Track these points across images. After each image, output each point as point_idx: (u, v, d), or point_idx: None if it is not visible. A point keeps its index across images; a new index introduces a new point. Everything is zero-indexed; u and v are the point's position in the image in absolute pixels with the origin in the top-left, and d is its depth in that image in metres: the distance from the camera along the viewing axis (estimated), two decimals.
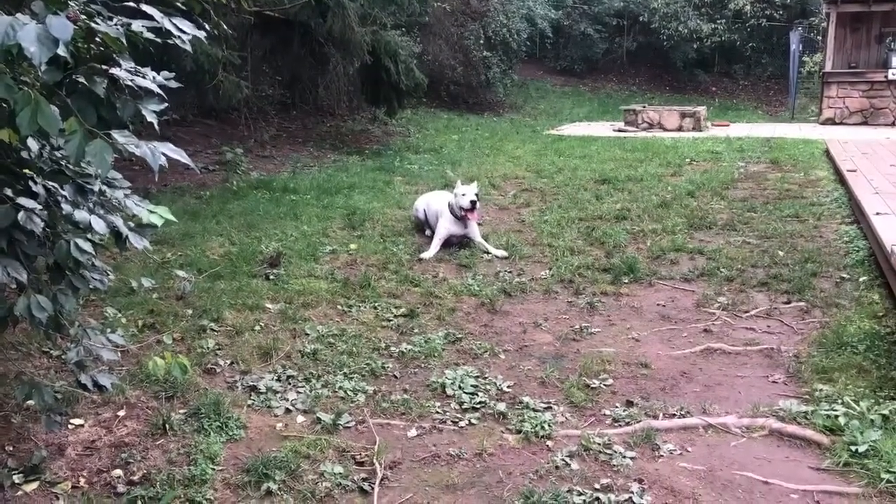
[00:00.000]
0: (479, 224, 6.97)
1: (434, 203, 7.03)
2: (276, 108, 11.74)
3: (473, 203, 6.72)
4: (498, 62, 17.69)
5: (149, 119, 2.06)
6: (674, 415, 3.87)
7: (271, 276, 5.78)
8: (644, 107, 16.33)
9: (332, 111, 13.25)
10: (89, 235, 2.58)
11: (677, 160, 10.74)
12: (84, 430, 3.62)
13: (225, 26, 7.12)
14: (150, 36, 2.39)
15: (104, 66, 2.00)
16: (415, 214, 7.40)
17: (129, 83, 2.04)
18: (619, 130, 15.04)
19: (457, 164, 11.13)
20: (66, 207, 2.38)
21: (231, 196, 8.28)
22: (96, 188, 2.44)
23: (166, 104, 2.20)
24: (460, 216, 6.77)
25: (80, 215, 2.37)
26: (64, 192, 2.36)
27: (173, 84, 2.74)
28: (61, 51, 1.63)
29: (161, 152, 2.01)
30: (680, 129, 14.90)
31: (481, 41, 16.93)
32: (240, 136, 11.01)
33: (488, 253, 6.63)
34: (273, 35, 10.58)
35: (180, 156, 2.06)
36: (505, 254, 6.58)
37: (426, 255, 6.53)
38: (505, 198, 8.84)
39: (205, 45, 7.58)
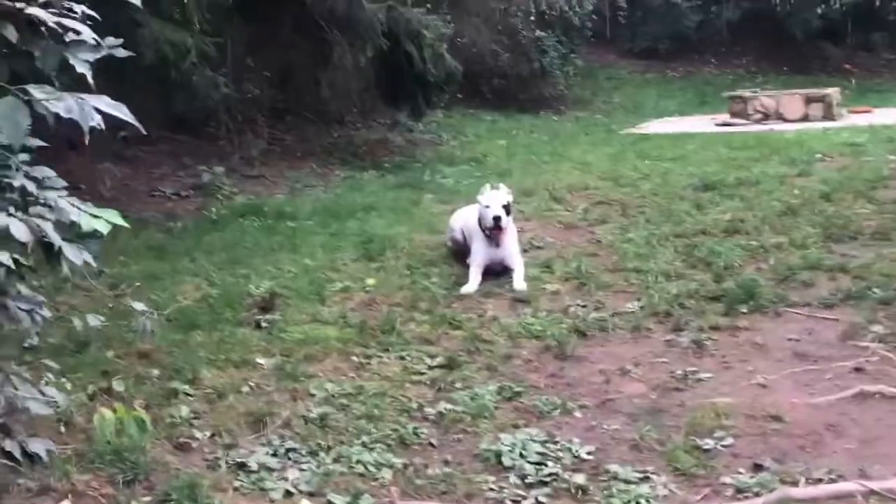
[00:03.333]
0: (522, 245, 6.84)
1: (473, 220, 6.98)
2: (265, 115, 11.87)
3: (497, 219, 6.65)
4: (555, 44, 17.71)
5: (79, 70, 2.03)
6: (820, 480, 3.73)
7: (263, 324, 5.76)
8: (755, 92, 16.19)
9: (340, 117, 13.35)
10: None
11: (804, 157, 10.62)
12: None
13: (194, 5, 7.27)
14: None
15: (15, 4, 1.97)
16: (450, 236, 7.36)
17: (53, 25, 2.01)
18: (724, 124, 14.91)
19: (505, 174, 11.10)
20: None
21: (210, 226, 8.35)
22: (17, 183, 2.41)
23: (104, 51, 2.17)
24: (489, 234, 6.71)
25: None
26: None
27: (121, 52, 2.73)
28: None
29: (93, 107, 1.96)
30: (805, 118, 14.72)
31: (532, 18, 16.99)
32: (220, 153, 11.13)
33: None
34: (259, 18, 10.76)
35: (121, 112, 2.02)
36: (523, 287, 6.46)
37: (466, 288, 6.46)
38: (573, 213, 8.78)
39: (167, 29, 7.74)
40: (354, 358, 5.26)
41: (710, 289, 6.20)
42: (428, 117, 13.78)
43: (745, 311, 5.80)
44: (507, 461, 4.02)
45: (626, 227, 8.05)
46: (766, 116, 15.02)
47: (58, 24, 2.01)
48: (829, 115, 14.67)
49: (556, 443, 4.19)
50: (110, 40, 2.77)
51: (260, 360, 5.21)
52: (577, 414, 4.54)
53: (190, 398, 4.73)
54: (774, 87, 19.55)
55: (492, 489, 3.82)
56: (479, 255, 6.74)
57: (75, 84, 2.11)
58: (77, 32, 2.03)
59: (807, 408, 4.43)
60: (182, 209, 9.21)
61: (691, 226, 7.79)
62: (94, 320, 3.54)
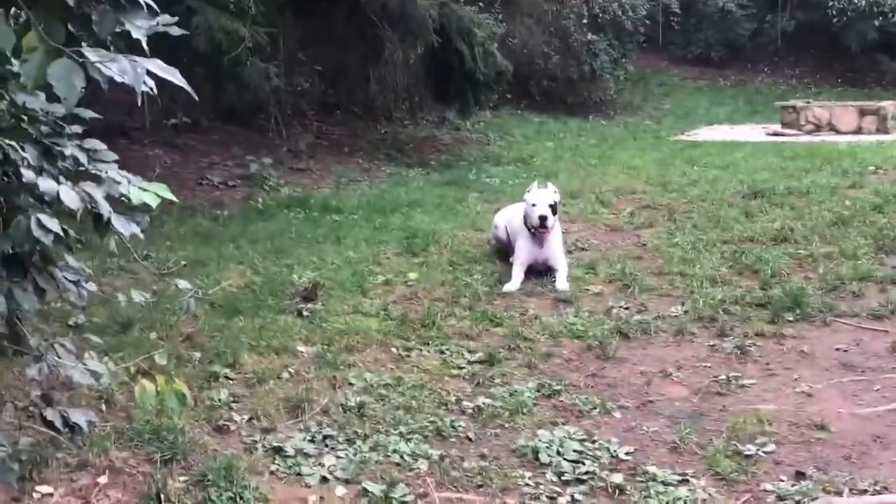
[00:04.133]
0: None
1: (518, 218, 6.93)
2: (315, 109, 11.94)
3: (543, 218, 6.61)
4: (607, 48, 17.65)
5: (135, 35, 2.03)
6: (865, 491, 3.65)
7: (305, 313, 5.78)
8: (808, 103, 15.98)
9: (388, 113, 13.39)
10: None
11: (857, 168, 10.42)
12: (53, 500, 3.60)
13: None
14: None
15: None
16: (494, 234, 7.34)
17: None
18: (775, 134, 14.74)
19: (552, 176, 11.03)
20: (28, 174, 2.37)
21: (256, 216, 8.40)
22: (68, 152, 2.42)
23: (159, 18, 2.17)
24: (534, 233, 6.69)
25: (46, 184, 2.35)
26: (25, 154, 2.34)
27: (175, 30, 2.74)
28: None
29: (146, 69, 1.96)
30: (859, 130, 14.51)
31: (584, 21, 16.93)
32: (268, 145, 11.21)
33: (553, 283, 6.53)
34: (312, 13, 10.81)
35: (175, 77, 2.02)
36: (566, 287, 6.42)
37: (509, 286, 6.42)
38: (619, 216, 8.71)
39: (222, 19, 7.80)
40: (394, 350, 5.26)
41: (756, 296, 6.11)
42: (476, 116, 13.80)
43: (791, 319, 5.71)
44: (544, 457, 3.98)
45: (673, 231, 7.96)
46: (819, 127, 14.81)
47: None
48: (882, 128, 14.44)
49: (594, 442, 4.14)
50: (165, 17, 2.78)
51: (300, 348, 5.23)
52: (617, 414, 4.49)
53: (230, 382, 4.76)
54: (828, 99, 19.31)
55: (528, 484, 3.78)
56: (523, 254, 6.70)
57: (129, 51, 2.11)
58: (133, 1, 2.04)
59: (853, 418, 4.34)
60: (229, 198, 9.28)
61: (739, 233, 7.67)
62: (138, 296, 3.54)
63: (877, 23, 20.95)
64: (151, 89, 2.02)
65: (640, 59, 20.78)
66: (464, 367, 5.04)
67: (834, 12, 21.18)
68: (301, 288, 6.16)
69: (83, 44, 1.98)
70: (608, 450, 4.05)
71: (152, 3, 2.11)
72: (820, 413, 4.37)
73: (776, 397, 4.62)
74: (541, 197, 6.73)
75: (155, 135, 10.71)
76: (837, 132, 14.63)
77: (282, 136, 11.38)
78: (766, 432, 4.17)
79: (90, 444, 3.84)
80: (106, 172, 2.63)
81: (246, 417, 4.36)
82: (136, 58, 1.99)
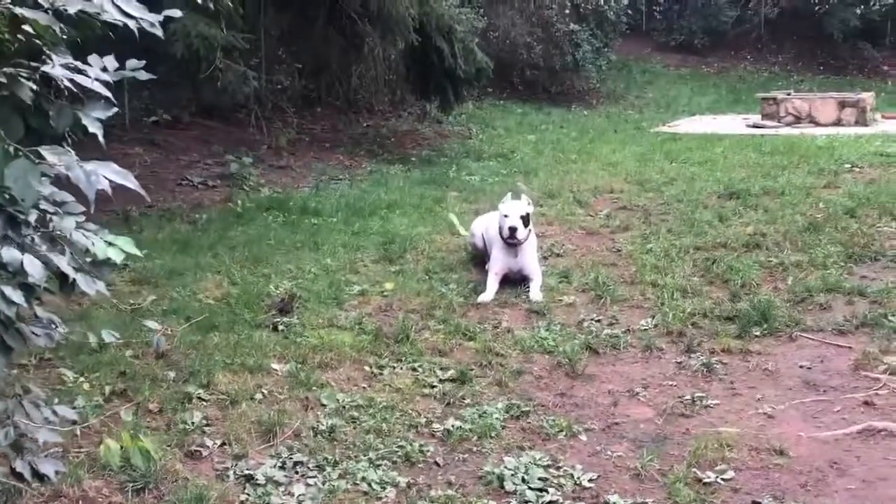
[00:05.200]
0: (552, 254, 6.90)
1: (494, 227, 7.01)
2: (296, 105, 11.95)
3: (513, 230, 6.69)
4: (589, 38, 17.66)
5: (91, 129, 2.08)
6: None
7: (280, 327, 5.84)
8: (789, 94, 16.05)
9: (370, 107, 13.41)
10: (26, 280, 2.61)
11: (833, 166, 10.51)
12: None
13: (227, 1, 7.31)
14: (113, 17, 2.43)
15: (33, 63, 2.03)
16: (471, 241, 7.41)
17: (67, 83, 2.06)
18: (755, 126, 14.81)
19: (532, 173, 11.14)
20: None
21: (234, 220, 8.43)
22: (33, 218, 2.47)
23: (115, 109, 2.23)
24: (508, 243, 6.77)
25: (9, 254, 2.40)
26: None
27: (143, 75, 2.79)
28: None
29: (101, 175, 2.02)
30: (838, 122, 14.59)
31: (567, 10, 16.93)
32: (249, 141, 11.23)
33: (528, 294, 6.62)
34: (292, 11, 10.81)
35: (128, 181, 2.07)
36: (539, 298, 6.51)
37: (483, 297, 6.50)
38: (595, 219, 8.78)
39: (200, 24, 7.80)
40: (367, 367, 5.32)
41: (725, 308, 6.17)
42: (457, 110, 13.81)
43: (758, 333, 5.77)
44: (509, 485, 4.05)
45: (648, 236, 8.02)
46: (798, 119, 14.90)
47: (72, 82, 2.07)
48: (861, 121, 14.53)
49: (559, 468, 4.21)
50: (132, 62, 2.83)
51: (274, 366, 5.29)
52: (583, 437, 4.56)
53: (203, 403, 4.82)
54: (810, 87, 19.41)
55: None
56: (498, 264, 6.77)
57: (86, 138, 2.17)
58: (92, 93, 2.09)
59: (812, 442, 4.42)
60: (209, 199, 9.31)
61: (712, 238, 7.73)
62: (109, 336, 3.59)
63: (859, 10, 21.04)
64: (106, 188, 2.07)
65: (623, 47, 20.78)
66: (435, 386, 5.10)
67: (816, 0, 21.27)
68: (277, 300, 6.22)
69: (44, 140, 2.03)
70: (572, 477, 4.12)
71: (110, 96, 2.16)
72: (780, 436, 4.45)
73: (739, 419, 4.69)
74: (513, 209, 6.79)
75: (135, 132, 10.71)
76: (817, 124, 14.72)
77: (262, 132, 11.39)
78: (726, 458, 4.24)
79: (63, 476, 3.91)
80: (70, 234, 2.67)
81: (218, 443, 4.42)
82: (90, 164, 2.04)
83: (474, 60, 11.69)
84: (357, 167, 11.40)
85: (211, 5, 8.38)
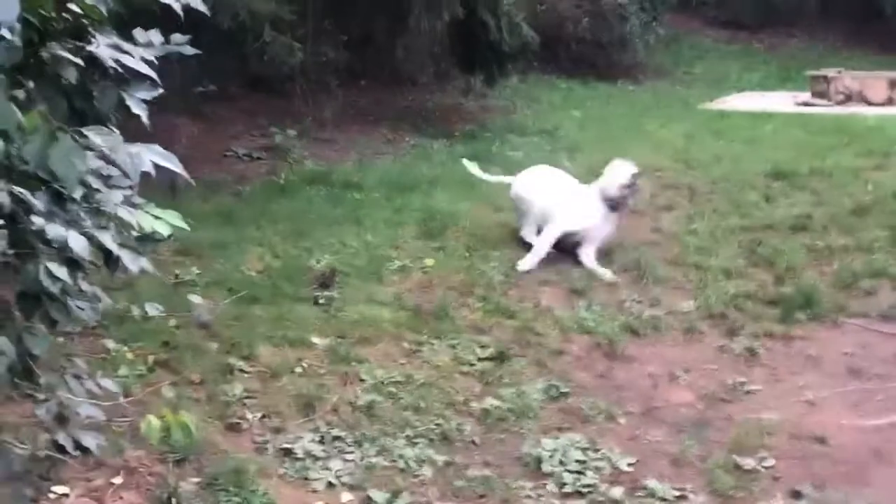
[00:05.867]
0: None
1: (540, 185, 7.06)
2: (341, 77, 11.89)
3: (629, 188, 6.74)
4: (637, 11, 17.37)
5: (134, 110, 2.08)
6: None
7: (321, 301, 5.86)
8: (839, 72, 15.70)
9: (414, 80, 13.32)
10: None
11: (883, 147, 10.25)
12: (69, 501, 3.73)
13: None
14: None
15: (78, 42, 2.03)
16: (514, 195, 7.35)
17: (112, 64, 2.06)
18: (804, 104, 14.50)
19: (576, 150, 11.01)
20: (38, 220, 2.44)
21: (278, 193, 8.45)
22: (78, 194, 2.49)
23: (160, 90, 2.23)
24: (612, 206, 6.74)
25: (54, 231, 2.41)
26: (34, 200, 2.41)
27: (188, 50, 2.79)
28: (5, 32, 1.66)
29: (146, 158, 2.02)
30: (890, 102, 14.24)
31: None
32: (294, 114, 11.21)
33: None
34: None
35: (172, 164, 2.08)
36: (612, 278, 6.49)
37: (528, 264, 6.52)
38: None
39: None
40: (406, 344, 5.34)
41: (769, 292, 6.11)
42: (502, 84, 13.66)
43: (802, 318, 5.71)
44: (546, 467, 4.07)
45: (692, 216, 7.90)
46: (849, 98, 14.56)
47: (117, 62, 2.07)
48: None
49: (597, 451, 4.22)
50: (177, 37, 2.83)
51: (315, 340, 5.32)
52: (622, 420, 4.56)
53: (245, 375, 4.88)
54: (862, 66, 18.94)
55: (528, 496, 3.88)
56: (565, 225, 6.69)
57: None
58: (136, 72, 2.09)
59: (853, 430, 4.39)
60: (253, 171, 9.33)
61: (758, 219, 7.61)
62: (152, 309, 3.63)
63: None
64: (151, 171, 2.07)
65: (672, 23, 20.39)
66: (474, 364, 5.12)
67: None
68: (318, 274, 6.23)
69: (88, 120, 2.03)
70: (610, 460, 4.13)
71: (154, 76, 2.16)
72: (821, 424, 4.43)
73: (780, 405, 4.66)
74: (626, 169, 6.75)
75: (182, 102, 10.75)
76: (868, 103, 14.38)
77: (308, 104, 11.37)
78: (766, 445, 4.23)
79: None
80: (115, 210, 2.69)
81: (259, 415, 4.48)
82: (134, 147, 2.04)
83: (520, 34, 11.55)
84: (400, 141, 11.36)
85: None
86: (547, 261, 6.74)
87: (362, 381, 4.86)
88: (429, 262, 6.64)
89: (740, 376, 4.99)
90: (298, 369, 4.95)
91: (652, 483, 3.93)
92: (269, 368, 4.94)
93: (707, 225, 7.55)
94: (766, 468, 4.06)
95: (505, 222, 7.68)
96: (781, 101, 14.96)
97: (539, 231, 6.86)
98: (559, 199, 6.93)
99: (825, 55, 20.68)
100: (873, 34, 21.59)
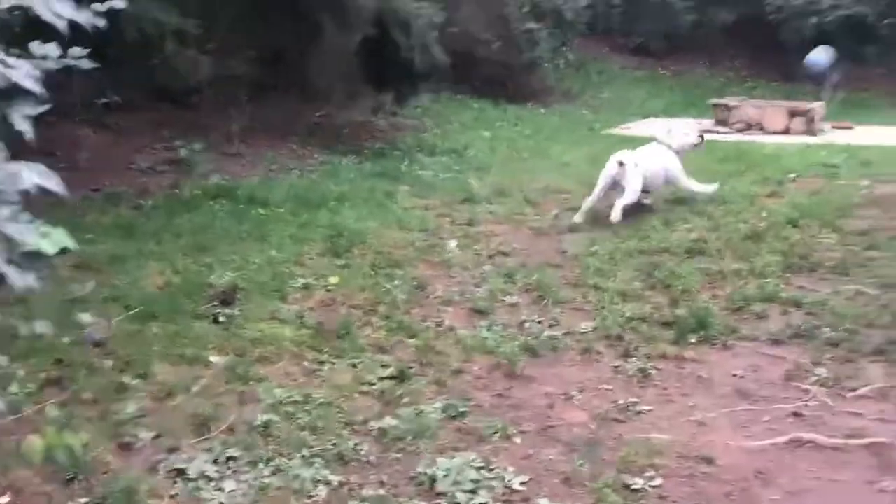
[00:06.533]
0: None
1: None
2: (250, 91, 11.82)
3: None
4: (547, 37, 17.71)
5: (18, 127, 2.05)
6: None
7: (221, 318, 5.81)
8: (741, 101, 16.23)
9: (325, 96, 13.31)
10: None
11: (778, 175, 10.64)
12: None
13: None
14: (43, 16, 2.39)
15: None
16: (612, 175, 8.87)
17: None
18: (706, 131, 14.91)
19: (484, 170, 11.16)
20: None
21: (181, 207, 8.36)
22: None
23: (47, 105, 2.19)
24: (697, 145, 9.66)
25: None
26: None
27: (86, 64, 2.75)
28: None
29: (25, 177, 1.99)
30: (787, 131, 14.78)
31: (525, 9, 16.97)
32: (201, 127, 11.10)
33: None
34: None
35: (51, 183, 2.04)
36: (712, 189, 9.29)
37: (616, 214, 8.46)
38: (543, 219, 8.82)
39: (152, 6, 7.72)
40: (306, 363, 5.32)
41: (664, 314, 6.24)
42: (413, 103, 13.78)
43: (694, 340, 5.83)
44: (441, 487, 4.08)
45: (594, 238, 8.07)
46: (749, 126, 15.07)
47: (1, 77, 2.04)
48: (810, 130, 14.71)
49: (491, 470, 4.24)
50: (75, 51, 2.79)
51: (213, 358, 5.27)
52: (517, 440, 4.59)
53: (139, 394, 4.79)
54: (764, 94, 19.60)
55: None
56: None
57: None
58: (21, 88, 2.06)
59: (739, 451, 4.50)
60: (156, 185, 9.20)
61: (656, 242, 7.81)
62: (42, 328, 3.54)
63: (814, 20, 21.30)
64: (31, 189, 2.04)
65: (581, 48, 20.83)
66: (374, 384, 5.11)
67: (772, 8, 21.50)
68: (219, 290, 6.18)
69: None
70: (503, 480, 4.15)
71: (40, 92, 2.13)
72: (709, 444, 4.53)
73: (670, 426, 4.76)
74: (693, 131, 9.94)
75: (86, 113, 10.54)
76: (767, 132, 14.89)
77: (215, 118, 11.28)
78: (655, 465, 4.30)
79: None
80: (3, 226, 2.63)
81: (152, 434, 4.40)
82: (14, 165, 2.01)
83: (431, 57, 11.68)
84: (309, 157, 11.34)
85: None
86: (452, 281, 6.84)
87: (260, 400, 4.81)
88: (333, 279, 6.64)
89: (633, 397, 5.08)
90: (195, 388, 4.89)
91: (543, 502, 3.98)
92: (165, 387, 4.87)
93: (607, 247, 7.72)
94: (653, 487, 4.13)
95: (411, 241, 7.74)
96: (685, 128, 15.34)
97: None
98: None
99: (729, 82, 21.37)
100: (775, 63, 22.35)
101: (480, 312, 6.31)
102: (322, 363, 5.33)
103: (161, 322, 5.66)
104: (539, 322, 6.16)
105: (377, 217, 8.50)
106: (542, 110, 17.32)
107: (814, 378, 5.31)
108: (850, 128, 15.50)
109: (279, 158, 10.91)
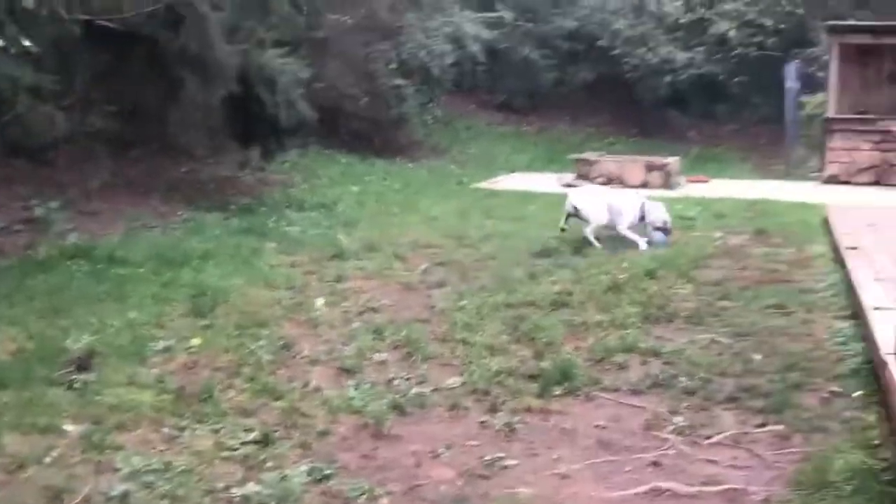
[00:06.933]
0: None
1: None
2: (110, 147, 11.55)
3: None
4: (415, 93, 17.96)
5: None
6: None
7: (77, 384, 5.60)
8: (601, 156, 16.80)
9: (189, 152, 13.13)
10: None
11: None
12: None
13: (27, 43, 7.04)
14: None
15: None
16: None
17: None
18: (568, 185, 15.36)
19: (353, 225, 11.18)
20: None
21: (36, 268, 8.07)
22: None
23: None
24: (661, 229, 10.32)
25: None
26: None
27: None
28: None
29: None
30: (645, 185, 15.35)
31: (393, 65, 17.20)
32: (57, 184, 10.78)
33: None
34: (109, 52, 10.50)
35: None
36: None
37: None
38: (412, 274, 8.88)
39: (3, 60, 7.49)
40: (166, 429, 5.14)
41: (530, 367, 6.31)
42: (280, 158, 13.72)
43: (558, 393, 5.89)
44: None
45: (462, 293, 8.15)
46: (609, 181, 15.56)
47: None
48: (666, 184, 15.33)
49: None
50: None
51: (68, 427, 5.06)
52: (384, 501, 4.54)
53: None
54: (624, 149, 20.36)
55: None
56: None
57: None
58: None
59: (602, 502, 4.57)
60: (10, 245, 8.86)
61: (522, 296, 7.93)
62: None
63: (668, 79, 22.33)
64: None
65: (448, 104, 21.22)
66: (237, 449, 4.98)
67: (629, 67, 22.45)
68: (75, 355, 5.96)
69: None
70: None
71: None
72: (573, 497, 4.58)
73: (535, 480, 4.79)
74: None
75: None
76: (626, 185, 15.41)
77: (73, 174, 10.97)
78: None
79: None
80: None
81: None
82: None
83: (297, 112, 11.68)
84: (172, 214, 11.12)
85: (12, 49, 8.08)
86: (319, 339, 6.79)
87: (117, 469, 4.63)
88: (195, 341, 6.49)
89: (499, 451, 5.09)
90: (48, 459, 4.68)
91: None
92: (16, 459, 4.65)
93: (475, 301, 7.81)
94: None
95: (277, 299, 7.65)
96: (548, 182, 15.81)
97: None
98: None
99: (590, 139, 22.09)
100: (633, 119, 23.29)
101: (348, 371, 6.26)
102: (183, 429, 5.18)
103: (12, 390, 5.42)
104: (407, 379, 6.15)
105: (243, 275, 8.38)
106: (411, 165, 17.52)
107: (671, 427, 5.44)
108: (705, 181, 16.24)
109: (140, 215, 10.66)
